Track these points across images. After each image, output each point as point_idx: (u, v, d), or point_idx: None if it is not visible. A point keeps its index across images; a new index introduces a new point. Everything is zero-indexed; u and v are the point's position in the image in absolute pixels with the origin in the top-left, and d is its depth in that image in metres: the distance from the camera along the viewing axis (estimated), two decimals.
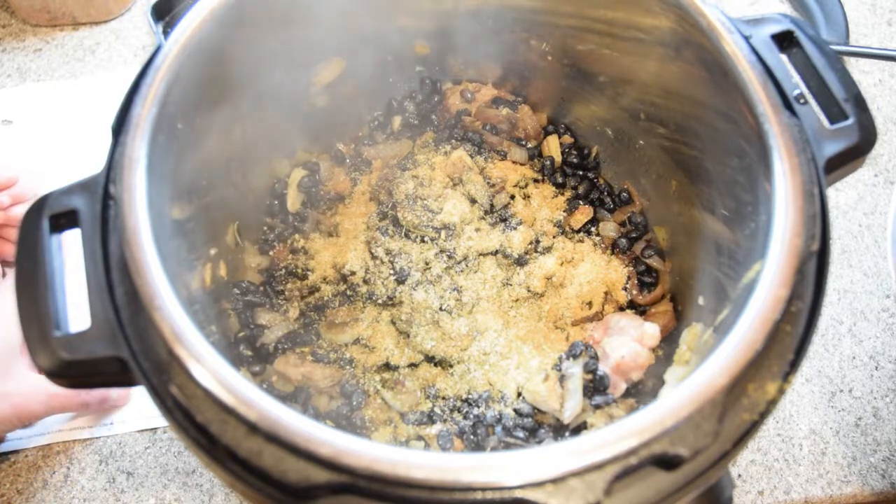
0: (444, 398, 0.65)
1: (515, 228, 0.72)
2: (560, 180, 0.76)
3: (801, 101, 0.50)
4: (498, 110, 0.78)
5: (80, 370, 0.44)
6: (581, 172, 0.77)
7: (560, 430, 0.63)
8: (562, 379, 0.63)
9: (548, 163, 0.77)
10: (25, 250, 0.47)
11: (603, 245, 0.74)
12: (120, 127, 0.49)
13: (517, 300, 0.70)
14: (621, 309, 0.71)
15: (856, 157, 0.50)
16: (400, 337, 0.68)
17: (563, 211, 0.75)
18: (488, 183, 0.75)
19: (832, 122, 0.50)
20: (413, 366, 0.67)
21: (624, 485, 0.39)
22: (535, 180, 0.77)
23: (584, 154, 0.78)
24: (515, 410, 0.63)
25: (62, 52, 0.95)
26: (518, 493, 0.37)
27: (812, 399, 0.73)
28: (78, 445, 0.70)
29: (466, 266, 0.71)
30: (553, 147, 0.77)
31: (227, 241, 0.67)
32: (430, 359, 0.67)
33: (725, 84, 0.52)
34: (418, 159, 0.76)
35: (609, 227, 0.74)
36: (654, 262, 0.71)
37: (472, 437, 0.62)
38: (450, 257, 0.71)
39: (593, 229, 0.74)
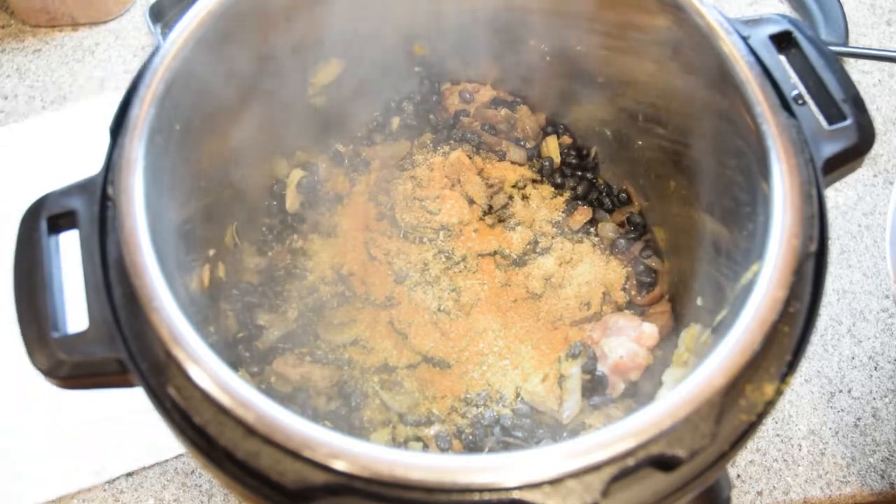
0: (442, 399, 0.65)
1: (514, 229, 0.73)
2: (559, 181, 0.76)
3: (800, 101, 0.50)
4: (497, 111, 0.78)
5: (78, 371, 0.44)
6: (580, 173, 0.77)
7: (558, 430, 0.63)
8: (560, 379, 0.63)
9: (546, 163, 0.77)
10: (24, 251, 0.47)
11: (602, 246, 0.73)
12: (118, 128, 0.49)
13: (515, 301, 0.70)
14: (620, 309, 0.71)
15: (854, 157, 0.50)
16: (398, 338, 0.68)
17: (562, 211, 0.75)
18: (487, 183, 0.75)
19: (830, 122, 0.50)
20: (411, 366, 0.67)
21: (621, 486, 0.39)
22: (534, 181, 0.77)
23: (582, 155, 0.78)
24: (514, 411, 0.63)
25: (61, 52, 0.95)
26: (515, 495, 0.37)
27: (811, 399, 0.73)
28: None
29: (465, 267, 0.71)
30: (552, 148, 0.77)
31: (225, 241, 0.67)
32: (428, 359, 0.67)
33: (724, 85, 0.52)
34: (417, 160, 0.76)
35: (608, 228, 0.74)
36: (653, 262, 0.71)
37: (470, 437, 0.62)
38: (448, 258, 0.71)
39: (592, 230, 0.74)
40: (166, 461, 0.69)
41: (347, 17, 0.66)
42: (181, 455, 0.69)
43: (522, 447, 0.60)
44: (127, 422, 0.70)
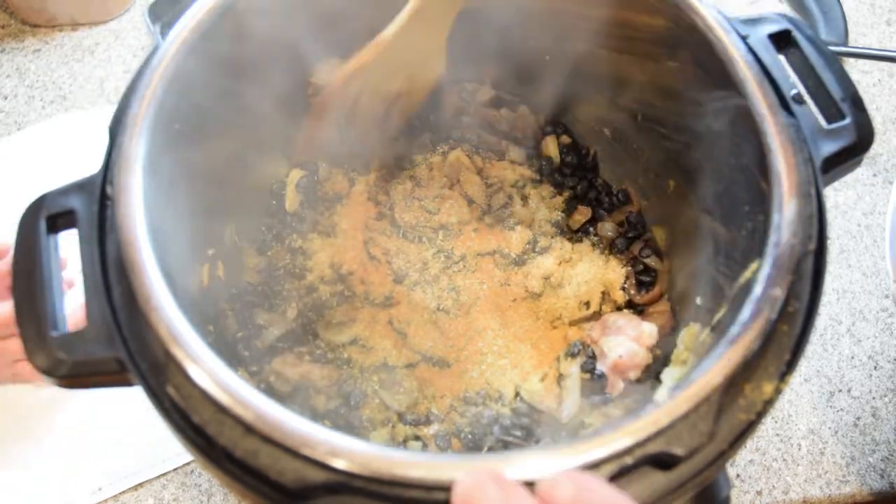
0: (441, 398, 0.65)
1: (513, 229, 0.73)
2: (558, 181, 0.76)
3: (799, 100, 0.50)
4: (497, 111, 0.78)
5: (77, 370, 0.44)
6: (580, 173, 0.77)
7: (557, 429, 0.63)
8: (559, 378, 0.63)
9: (546, 163, 0.77)
10: (22, 251, 0.47)
11: (601, 245, 0.74)
12: (117, 127, 0.49)
13: (515, 300, 0.70)
14: (619, 309, 0.71)
15: (853, 156, 0.50)
16: (398, 337, 0.68)
17: (562, 211, 0.75)
18: (486, 183, 0.75)
19: (829, 121, 0.50)
20: (411, 366, 0.67)
21: (620, 484, 0.39)
22: (534, 181, 0.77)
23: (582, 154, 0.78)
24: (513, 410, 0.63)
25: (61, 52, 0.95)
26: None
27: (811, 399, 0.73)
28: None
29: (464, 266, 0.71)
30: (551, 147, 0.77)
31: (224, 241, 0.67)
32: (427, 359, 0.67)
33: (723, 84, 0.52)
34: (416, 159, 0.76)
35: (607, 228, 0.74)
36: (652, 261, 0.71)
37: (469, 436, 0.62)
38: (447, 257, 0.71)
39: (591, 229, 0.74)
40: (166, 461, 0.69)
41: (348, 17, 0.66)
42: (182, 457, 0.70)
43: (521, 446, 0.60)
44: (126, 421, 0.70)
